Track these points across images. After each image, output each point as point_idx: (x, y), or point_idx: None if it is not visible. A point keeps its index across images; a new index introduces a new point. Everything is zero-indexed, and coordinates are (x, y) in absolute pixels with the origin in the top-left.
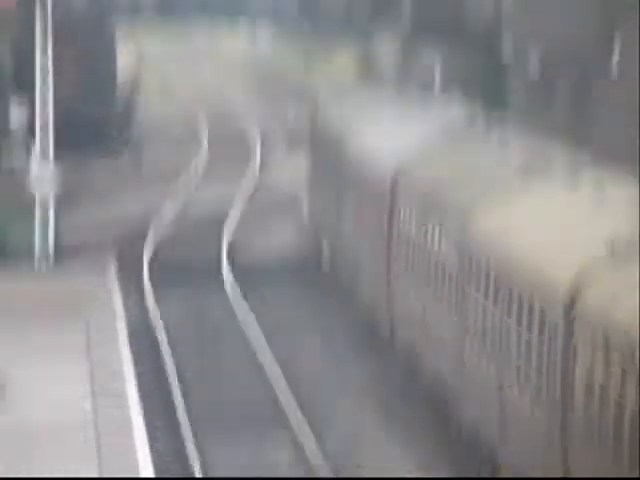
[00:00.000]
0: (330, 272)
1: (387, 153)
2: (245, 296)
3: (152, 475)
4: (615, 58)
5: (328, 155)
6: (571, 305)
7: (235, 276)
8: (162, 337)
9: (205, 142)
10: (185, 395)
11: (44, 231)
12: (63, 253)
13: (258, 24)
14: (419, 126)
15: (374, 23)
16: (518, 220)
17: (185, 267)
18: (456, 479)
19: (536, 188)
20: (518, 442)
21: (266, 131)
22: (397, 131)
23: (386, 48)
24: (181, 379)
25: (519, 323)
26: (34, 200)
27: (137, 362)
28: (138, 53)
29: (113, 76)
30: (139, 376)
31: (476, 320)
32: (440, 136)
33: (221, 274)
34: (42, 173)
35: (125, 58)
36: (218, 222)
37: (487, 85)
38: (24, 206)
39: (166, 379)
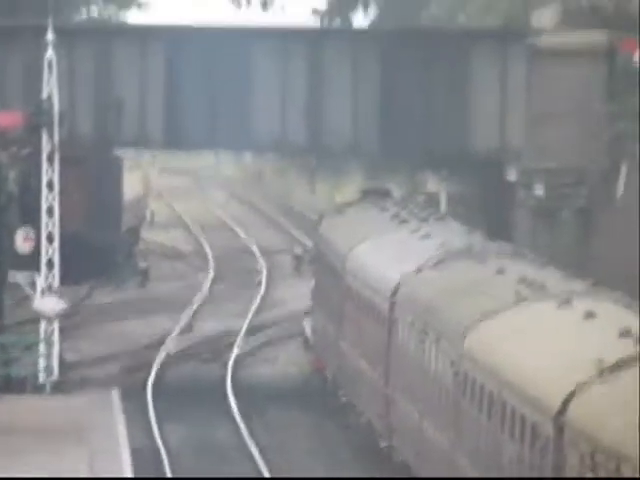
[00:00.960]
0: (332, 391)
1: (387, 271)
2: (249, 420)
3: None
4: (620, 189)
5: (330, 273)
6: (562, 421)
7: (240, 400)
8: (167, 467)
9: (211, 264)
10: None
11: (48, 355)
12: (67, 377)
13: (265, 155)
14: (419, 246)
15: (381, 153)
16: (512, 337)
17: (190, 391)
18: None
19: (530, 308)
20: None
21: (271, 252)
22: (397, 250)
23: (392, 176)
24: None
25: (512, 437)
26: (38, 319)
27: None
28: (144, 180)
29: (119, 203)
30: None
31: (470, 435)
32: (439, 256)
33: (227, 398)
34: (47, 303)
35: (131, 185)
36: (224, 344)
37: (491, 212)
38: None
39: None
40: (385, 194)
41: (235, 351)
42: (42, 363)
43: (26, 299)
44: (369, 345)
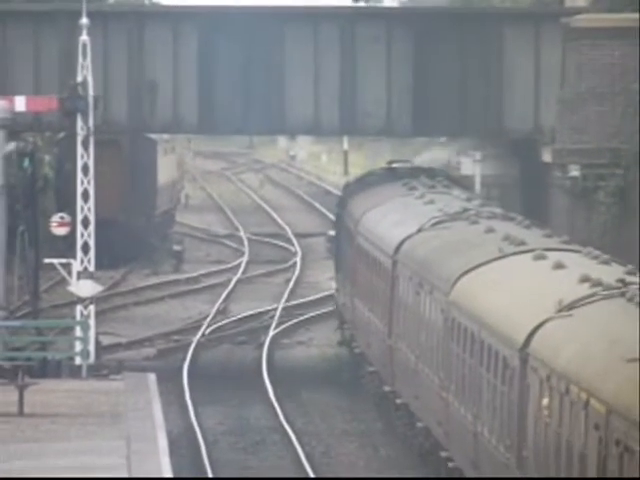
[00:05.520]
0: (351, 347)
1: (391, 232)
2: (284, 401)
3: None
4: None
5: (347, 237)
6: (525, 352)
7: (276, 381)
8: (203, 448)
9: (245, 247)
10: None
11: (84, 338)
12: (103, 361)
13: (298, 137)
14: (422, 210)
15: (415, 133)
16: (491, 286)
17: (226, 373)
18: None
19: (509, 261)
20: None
21: (305, 234)
22: (402, 214)
23: (426, 157)
24: None
25: (488, 370)
26: (74, 303)
27: (178, 473)
28: (178, 164)
29: (153, 187)
30: None
31: (457, 372)
32: (437, 219)
33: (263, 380)
34: (83, 286)
35: (165, 169)
36: (259, 327)
37: (527, 193)
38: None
39: None
40: (409, 166)
41: (270, 333)
42: (78, 346)
43: (62, 282)
44: (376, 300)
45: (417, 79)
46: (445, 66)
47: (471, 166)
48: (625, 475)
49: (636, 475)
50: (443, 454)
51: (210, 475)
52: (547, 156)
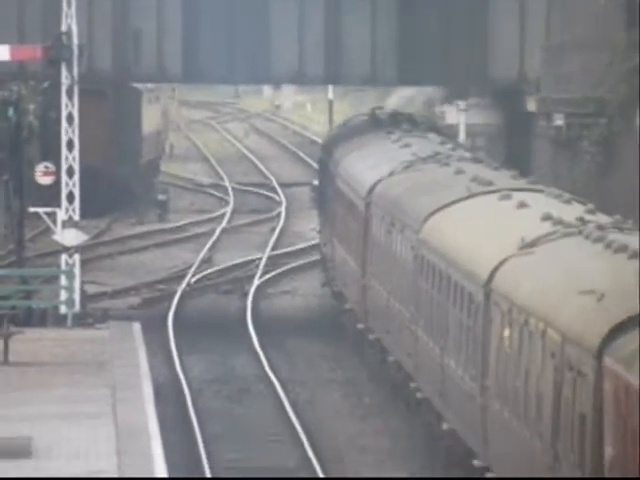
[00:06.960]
0: (330, 285)
1: (365, 174)
2: (268, 350)
3: None
4: (638, 119)
5: (328, 179)
6: (489, 288)
7: (260, 330)
8: (188, 396)
9: (230, 196)
10: (210, 455)
11: (69, 287)
12: (88, 309)
13: (283, 87)
14: (396, 153)
15: (400, 82)
16: (458, 225)
17: (211, 323)
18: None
19: (476, 200)
20: (456, 408)
21: (290, 184)
22: (377, 157)
23: (410, 104)
24: (207, 440)
25: (455, 305)
26: (59, 252)
27: (163, 421)
28: (163, 113)
29: (138, 136)
30: (164, 435)
31: (425, 307)
32: (409, 161)
33: (247, 329)
34: (67, 235)
35: (150, 118)
36: (244, 276)
37: (511, 143)
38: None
39: (192, 439)
40: (392, 111)
41: (255, 282)
42: (63, 295)
43: (47, 231)
44: (351, 240)
45: (402, 28)
46: (430, 15)
47: (455, 115)
48: (577, 398)
49: (588, 399)
50: (412, 385)
51: (196, 426)
52: (532, 105)
